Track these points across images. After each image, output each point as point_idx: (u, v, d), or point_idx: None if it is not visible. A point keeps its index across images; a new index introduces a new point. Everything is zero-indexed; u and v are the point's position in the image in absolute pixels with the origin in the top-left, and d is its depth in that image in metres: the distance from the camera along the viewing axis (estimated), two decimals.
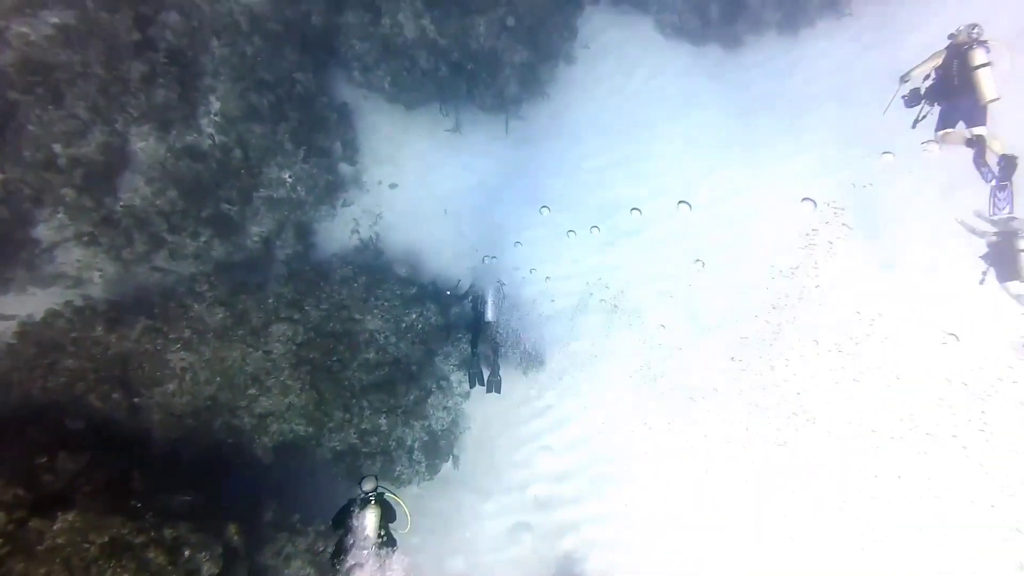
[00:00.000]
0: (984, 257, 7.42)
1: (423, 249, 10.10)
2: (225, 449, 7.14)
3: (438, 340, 8.69)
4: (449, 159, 11.07)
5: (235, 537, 6.04)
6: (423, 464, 8.16)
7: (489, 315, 8.29)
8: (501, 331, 8.56)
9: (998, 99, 5.91)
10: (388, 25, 9.55)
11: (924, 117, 6.59)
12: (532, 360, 9.08)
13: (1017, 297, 7.23)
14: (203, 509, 6.09)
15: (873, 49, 10.38)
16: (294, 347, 7.48)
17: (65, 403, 6.39)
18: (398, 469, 8.04)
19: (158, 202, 7.62)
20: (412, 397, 8.18)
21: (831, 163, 10.01)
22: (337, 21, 9.24)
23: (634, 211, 9.36)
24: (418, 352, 8.44)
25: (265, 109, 8.37)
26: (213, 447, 7.07)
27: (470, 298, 8.59)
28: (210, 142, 8.01)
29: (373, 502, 5.59)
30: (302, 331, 7.59)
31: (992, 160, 6.27)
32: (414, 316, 8.48)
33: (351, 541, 5.47)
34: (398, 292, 8.55)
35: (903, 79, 6.59)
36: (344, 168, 9.86)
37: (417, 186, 10.66)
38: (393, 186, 10.45)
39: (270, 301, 7.63)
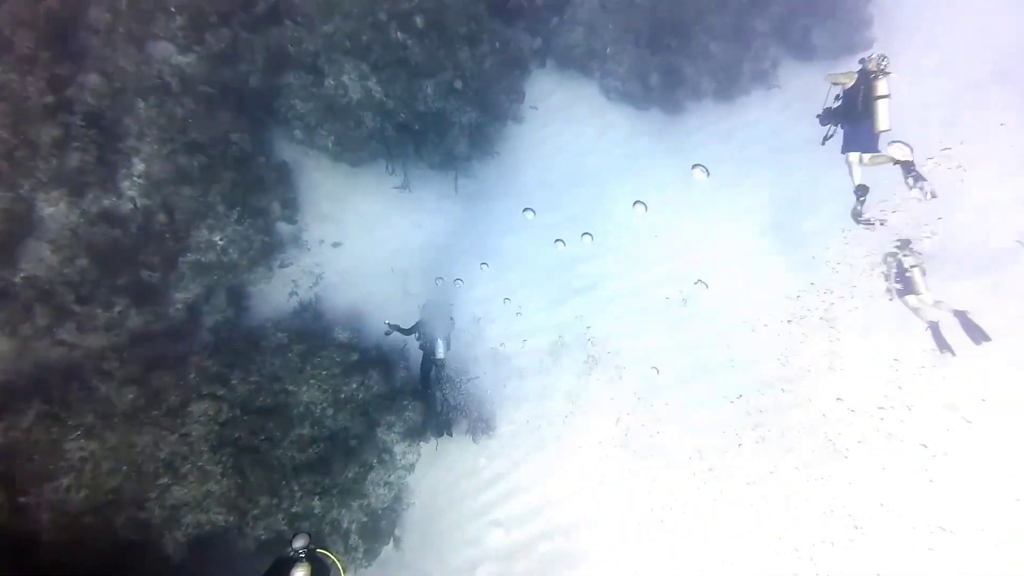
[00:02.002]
0: (885, 275, 8.11)
1: (367, 310, 9.68)
2: (129, 548, 6.31)
3: (381, 410, 8.20)
4: (396, 217, 10.85)
5: None
6: (361, 549, 7.52)
7: (440, 352, 8.19)
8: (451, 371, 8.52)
9: (889, 130, 6.28)
10: (332, 86, 9.45)
11: (831, 136, 6.97)
12: (482, 426, 8.69)
13: (915, 310, 7.77)
14: None
15: (803, 118, 10.97)
16: (216, 427, 6.84)
17: None
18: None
19: (66, 271, 7.00)
20: (350, 474, 7.61)
21: (768, 225, 10.41)
22: (277, 82, 9.07)
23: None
24: (358, 424, 7.92)
25: (195, 171, 7.97)
26: (114, 547, 6.24)
27: (418, 335, 8.33)
28: (131, 206, 7.51)
29: (304, 559, 5.29)
30: (226, 408, 6.97)
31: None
32: (355, 385, 8.00)
33: None
34: (338, 359, 8.07)
35: (827, 78, 6.98)
36: (283, 228, 9.46)
37: (362, 244, 10.34)
38: (336, 245, 10.10)
39: (191, 376, 7.01)
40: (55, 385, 6.50)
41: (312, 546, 5.50)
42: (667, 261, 10.43)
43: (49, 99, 6.99)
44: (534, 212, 9.58)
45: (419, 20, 9.68)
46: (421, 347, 8.41)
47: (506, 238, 10.79)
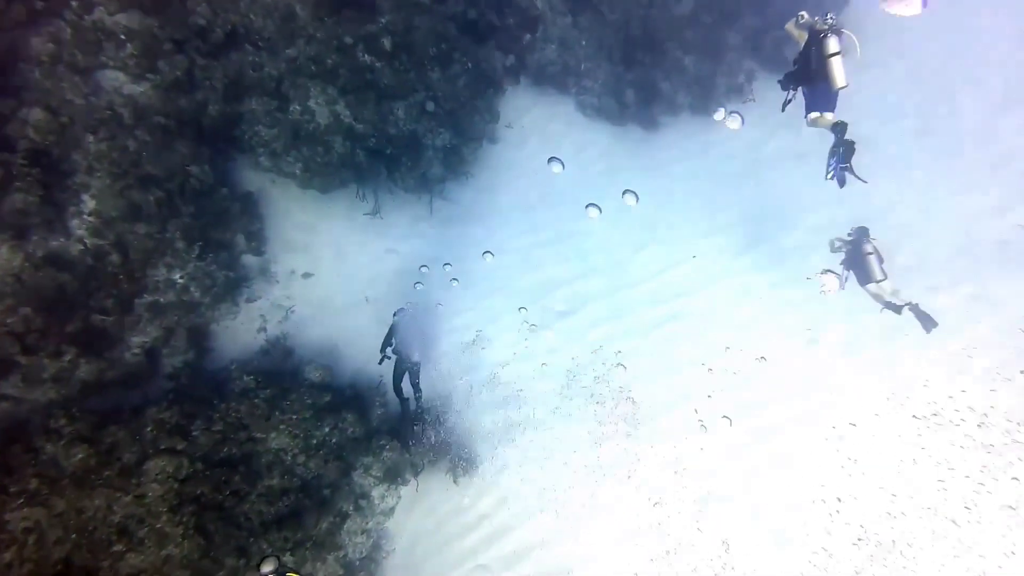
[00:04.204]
0: (843, 263, 8.19)
1: (341, 344, 9.26)
2: None
3: (357, 452, 7.77)
4: (370, 243, 10.46)
5: None
6: None
7: (415, 356, 8.10)
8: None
9: (847, 86, 6.08)
10: (298, 111, 9.08)
11: (791, 100, 6.72)
12: (463, 464, 8.30)
13: (875, 296, 7.87)
14: None
15: (777, 131, 10.96)
16: (176, 484, 6.34)
17: None
18: None
19: (9, 321, 6.48)
20: (324, 526, 7.14)
21: (749, 239, 10.28)
22: (238, 109, 8.67)
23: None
24: (332, 470, 7.46)
25: (151, 206, 7.52)
26: None
27: (393, 345, 8.16)
28: (80, 247, 7.02)
29: None
30: (187, 463, 6.48)
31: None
32: (327, 429, 7.57)
33: None
34: (309, 402, 7.63)
35: (786, 29, 6.81)
36: (249, 260, 9.02)
37: (334, 274, 9.92)
38: (307, 275, 9.67)
39: (148, 430, 6.52)
40: None
41: (281, 570, 5.33)
42: (649, 280, 10.23)
43: None
44: (562, 164, 8.67)
45: (386, 42, 9.38)
46: (394, 351, 8.16)
47: (484, 261, 10.46)
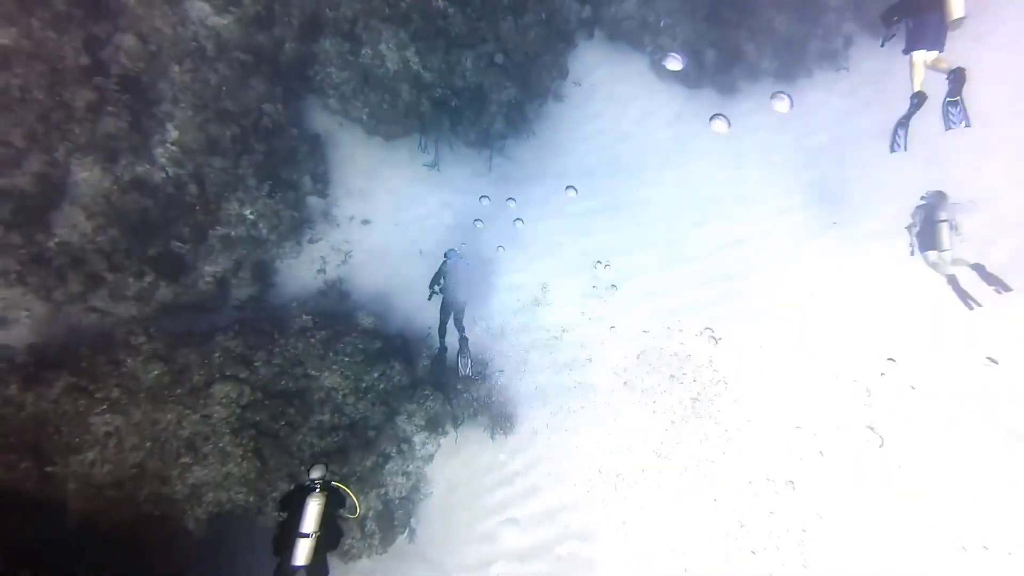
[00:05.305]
0: (909, 228, 7.78)
1: (393, 292, 9.46)
2: (151, 522, 6.39)
3: (401, 399, 8.03)
4: (428, 195, 10.48)
5: None
6: (376, 536, 7.46)
7: (461, 296, 8.16)
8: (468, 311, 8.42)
9: (964, 18, 5.30)
10: (369, 55, 9.01)
11: (892, 37, 5.93)
12: (502, 423, 8.44)
13: (933, 265, 7.48)
14: None
15: (871, 104, 10.05)
16: (238, 409, 6.78)
17: None
18: (349, 541, 7.32)
19: (99, 239, 6.93)
20: (368, 463, 7.50)
21: (823, 221, 9.64)
22: (313, 48, 8.68)
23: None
24: (378, 414, 7.76)
25: (227, 141, 7.75)
26: (138, 519, 6.32)
27: (441, 282, 8.22)
28: (163, 175, 7.36)
29: (319, 490, 5.52)
30: (248, 391, 6.89)
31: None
32: (376, 375, 7.82)
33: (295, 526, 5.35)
34: (361, 347, 7.88)
35: None
36: (313, 202, 9.24)
37: (391, 223, 10.04)
38: (366, 222, 9.84)
39: (216, 356, 6.94)
40: (84, 356, 6.51)
41: (329, 477, 5.68)
42: (708, 257, 9.80)
43: (84, 60, 6.80)
44: (681, 60, 7.63)
45: None
46: (441, 290, 8.23)
47: (538, 223, 10.30)
